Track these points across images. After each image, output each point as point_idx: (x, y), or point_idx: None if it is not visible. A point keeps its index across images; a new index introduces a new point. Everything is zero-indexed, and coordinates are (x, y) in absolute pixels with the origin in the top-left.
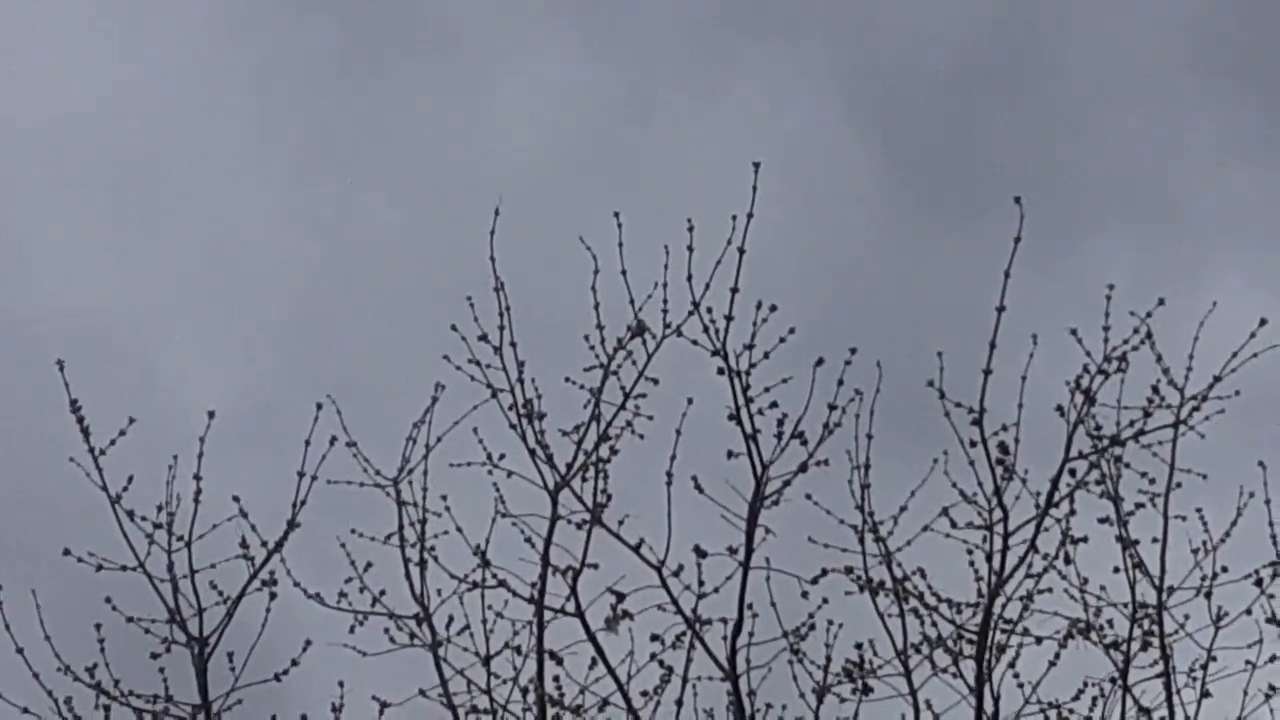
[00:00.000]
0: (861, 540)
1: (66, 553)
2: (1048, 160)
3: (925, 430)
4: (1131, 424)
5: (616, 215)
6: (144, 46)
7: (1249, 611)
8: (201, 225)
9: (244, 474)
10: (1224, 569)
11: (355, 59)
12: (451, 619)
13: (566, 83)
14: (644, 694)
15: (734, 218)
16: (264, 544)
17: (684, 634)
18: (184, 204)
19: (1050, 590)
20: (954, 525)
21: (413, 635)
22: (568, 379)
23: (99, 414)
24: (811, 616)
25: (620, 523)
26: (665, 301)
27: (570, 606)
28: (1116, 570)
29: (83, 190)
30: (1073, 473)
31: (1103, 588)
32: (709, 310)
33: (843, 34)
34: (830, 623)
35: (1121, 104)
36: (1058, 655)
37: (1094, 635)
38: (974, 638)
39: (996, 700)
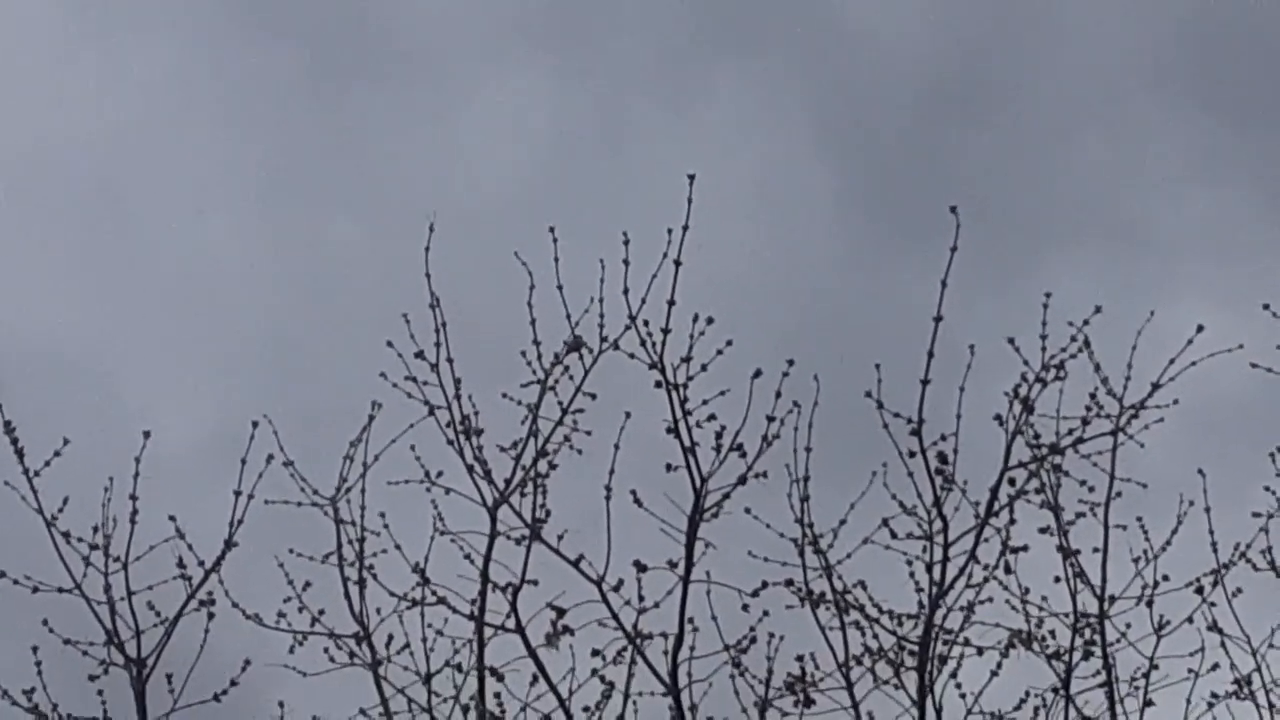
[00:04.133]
0: (801, 553)
1: (2, 574)
2: (1011, 180)
3: (865, 442)
4: (1070, 433)
5: (552, 230)
6: (110, 74)
7: (1190, 619)
8: (168, 251)
9: (216, 500)
10: (1165, 577)
11: (323, 83)
12: (391, 637)
13: (536, 105)
14: (586, 709)
15: (669, 231)
16: (201, 564)
17: (625, 649)
18: (151, 230)
19: (991, 600)
20: (894, 536)
21: (352, 654)
22: (505, 395)
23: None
24: (752, 630)
25: (559, 538)
26: (602, 316)
27: (510, 623)
28: (1057, 580)
29: (49, 217)
30: (1012, 482)
31: (1044, 597)
32: (645, 324)
33: (810, 54)
34: (771, 636)
35: (1084, 124)
36: (999, 665)
37: (1036, 645)
38: (915, 649)
39: (939, 711)
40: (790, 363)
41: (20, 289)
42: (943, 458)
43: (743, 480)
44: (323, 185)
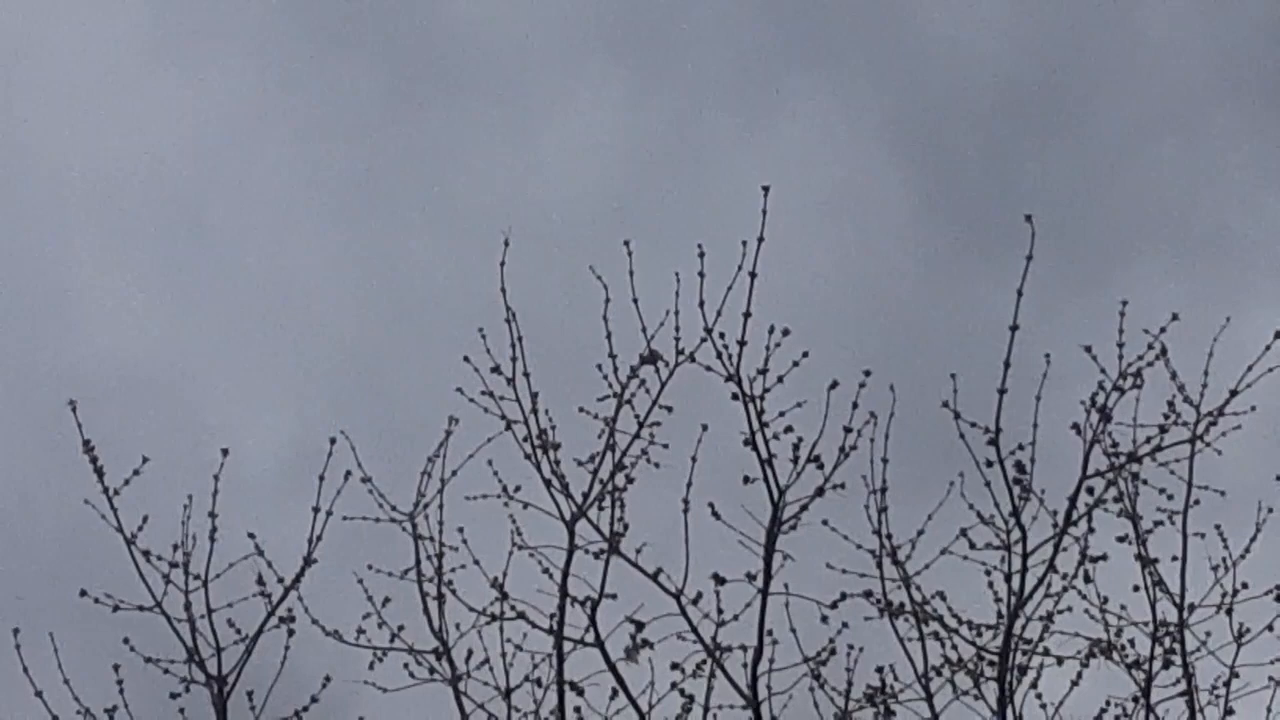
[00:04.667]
0: (880, 564)
1: (83, 594)
2: (1088, 189)
3: (942, 453)
4: (1148, 441)
5: (626, 244)
6: (191, 93)
7: (1271, 627)
8: (248, 269)
9: (295, 517)
10: (1244, 585)
11: (401, 100)
12: (471, 652)
13: (612, 119)
14: None
15: (744, 243)
16: (280, 581)
17: (704, 662)
18: (231, 247)
19: (1070, 610)
20: (972, 546)
21: (432, 670)
22: (582, 409)
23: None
24: (832, 641)
25: (638, 551)
26: (678, 329)
27: (590, 637)
28: (1136, 589)
29: (131, 241)
30: (1090, 491)
31: (1123, 606)
32: (721, 336)
33: (886, 65)
34: (851, 647)
35: (1160, 133)
36: (1079, 675)
37: (1115, 654)
38: (995, 659)
39: None
40: (867, 373)
41: (99, 307)
42: (1020, 467)
43: (820, 492)
44: (401, 202)
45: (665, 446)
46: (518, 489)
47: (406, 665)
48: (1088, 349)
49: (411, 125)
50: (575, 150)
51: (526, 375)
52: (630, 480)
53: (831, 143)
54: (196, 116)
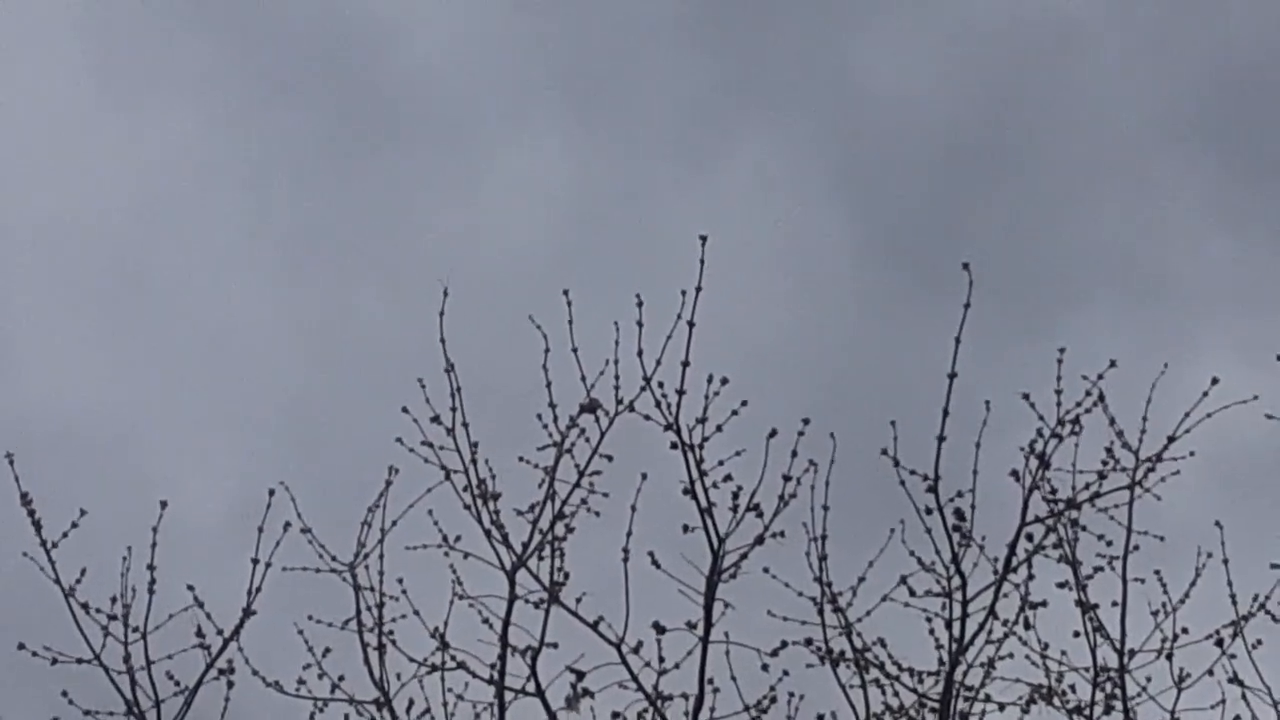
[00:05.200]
0: (820, 612)
1: (21, 647)
2: (1030, 236)
3: (882, 500)
4: (1087, 487)
5: (565, 293)
6: (134, 145)
7: (1211, 672)
8: (187, 321)
9: (234, 568)
10: (1184, 630)
11: (344, 150)
12: (412, 703)
13: (557, 167)
14: None
15: (683, 292)
16: (220, 633)
17: (646, 710)
18: (170, 300)
19: (1011, 656)
20: (913, 594)
21: None
22: (522, 458)
23: (90, 513)
24: (773, 689)
25: (578, 601)
26: (617, 378)
27: (531, 686)
28: (1077, 634)
29: (73, 290)
30: (1029, 538)
31: (1064, 652)
32: (660, 385)
33: (830, 112)
34: (792, 695)
35: (1102, 180)
36: None
37: (1057, 700)
38: (937, 706)
39: None
40: (805, 421)
41: (37, 358)
42: (960, 514)
43: (760, 540)
44: (344, 251)
45: (605, 495)
46: (458, 539)
47: (347, 716)
48: (1025, 396)
49: (355, 174)
50: (518, 198)
51: (465, 425)
52: (570, 530)
53: (774, 188)
54: (139, 164)
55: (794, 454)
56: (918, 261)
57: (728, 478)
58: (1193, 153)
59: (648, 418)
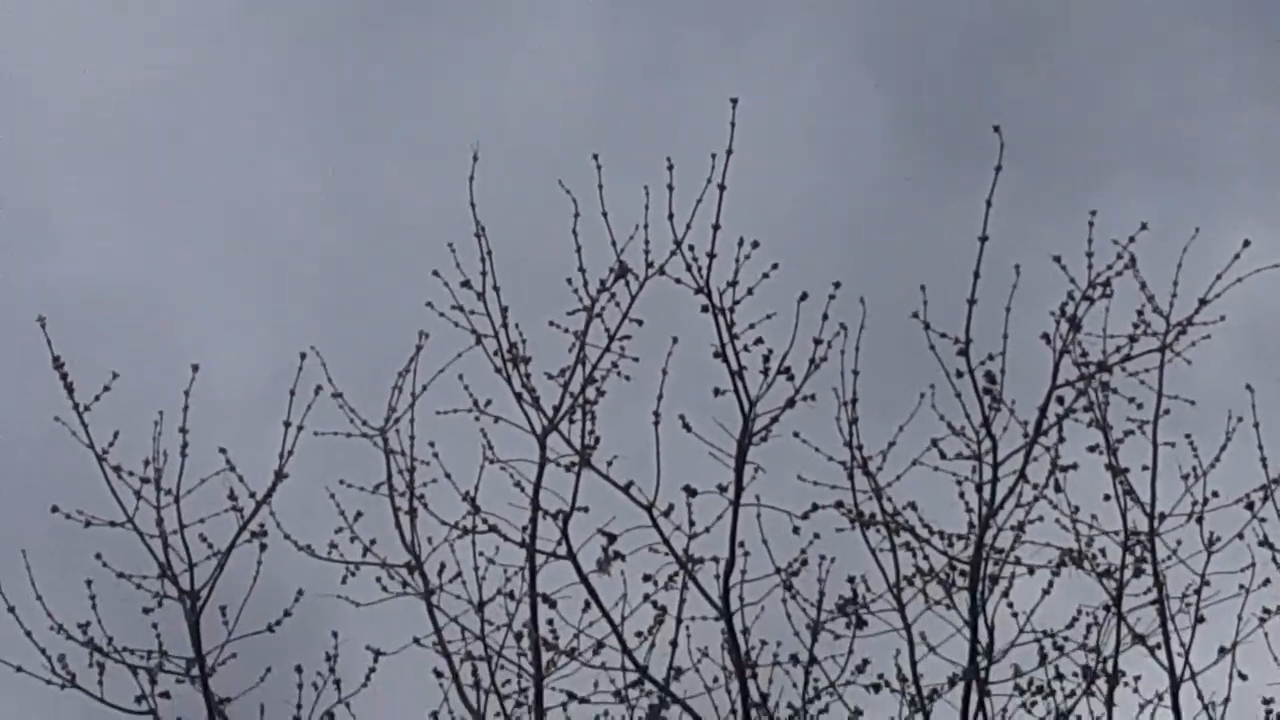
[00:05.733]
0: (851, 475)
1: (55, 510)
2: (1062, 106)
3: (912, 364)
4: (1118, 350)
5: (595, 157)
6: (165, 18)
7: (1241, 535)
8: (221, 190)
9: (267, 433)
10: (1215, 494)
11: (375, 20)
12: (443, 566)
13: (588, 35)
14: (639, 635)
15: (713, 156)
16: (252, 496)
17: (676, 574)
18: (204, 170)
19: (1041, 519)
20: (943, 457)
21: (405, 584)
22: (552, 323)
23: (123, 381)
24: (803, 553)
25: (609, 464)
26: (648, 242)
27: (562, 550)
28: (1107, 498)
29: (105, 159)
30: (1060, 400)
31: (1094, 516)
32: (691, 249)
33: None
34: (822, 558)
35: (1133, 51)
36: (1051, 584)
37: (1086, 563)
38: (966, 569)
39: (991, 631)
40: (837, 285)
41: (70, 227)
42: (990, 377)
43: (791, 403)
44: (375, 121)
45: (636, 360)
46: (489, 403)
47: (379, 579)
48: (1057, 259)
49: (385, 44)
50: (550, 66)
51: (496, 289)
52: (601, 393)
53: (807, 58)
54: (168, 42)
55: (825, 317)
56: (949, 128)
57: (758, 341)
58: (1223, 23)
59: (678, 281)
